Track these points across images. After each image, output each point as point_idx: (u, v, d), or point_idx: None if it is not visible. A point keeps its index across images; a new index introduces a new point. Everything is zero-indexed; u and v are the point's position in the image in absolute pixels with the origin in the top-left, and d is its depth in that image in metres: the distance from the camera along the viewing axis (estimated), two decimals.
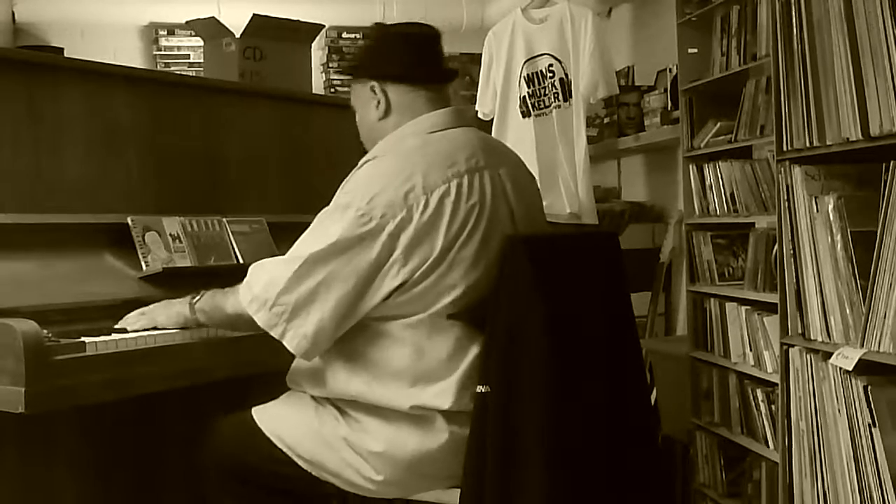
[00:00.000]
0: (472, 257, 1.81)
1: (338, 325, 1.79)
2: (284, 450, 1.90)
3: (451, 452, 1.82)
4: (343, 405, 1.89)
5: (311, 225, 1.84)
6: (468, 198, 1.82)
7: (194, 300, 1.98)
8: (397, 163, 1.84)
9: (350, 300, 1.78)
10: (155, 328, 2.02)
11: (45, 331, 1.79)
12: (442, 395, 1.81)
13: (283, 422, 1.94)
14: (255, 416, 1.96)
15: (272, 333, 1.79)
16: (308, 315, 1.77)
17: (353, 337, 1.83)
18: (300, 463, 1.90)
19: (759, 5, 2.94)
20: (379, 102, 1.96)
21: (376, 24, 2.07)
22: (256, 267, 1.85)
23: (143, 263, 2.22)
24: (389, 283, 1.78)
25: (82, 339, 1.87)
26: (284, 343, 1.80)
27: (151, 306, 2.07)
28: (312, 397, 1.93)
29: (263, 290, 1.79)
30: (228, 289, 1.91)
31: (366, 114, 2.01)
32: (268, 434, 1.92)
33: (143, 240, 2.25)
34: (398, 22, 2.09)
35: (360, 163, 1.92)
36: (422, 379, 1.81)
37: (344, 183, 1.88)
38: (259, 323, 1.80)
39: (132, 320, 2.05)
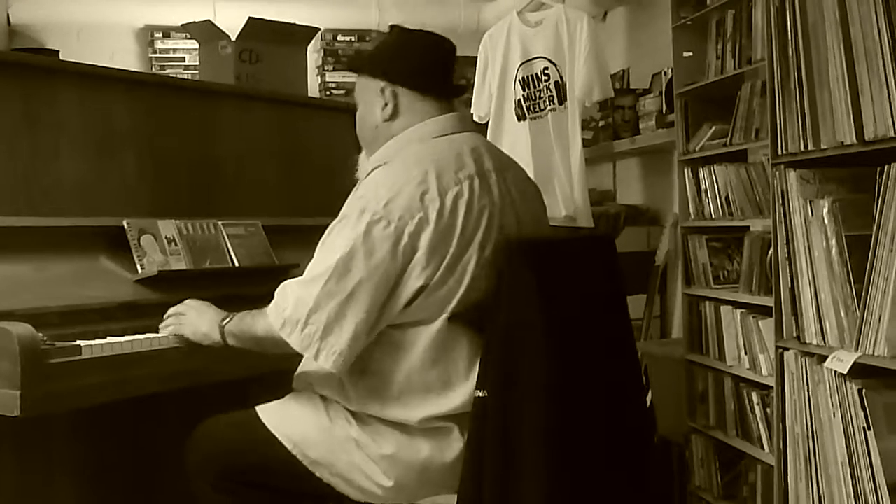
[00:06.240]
0: (485, 261, 1.79)
1: (368, 333, 1.77)
2: (290, 448, 1.86)
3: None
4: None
5: (327, 238, 1.81)
6: (480, 199, 1.82)
7: (223, 323, 1.94)
8: (409, 166, 1.82)
9: (379, 307, 1.76)
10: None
11: (40, 334, 1.79)
12: (460, 399, 1.80)
13: (290, 420, 1.90)
14: (259, 414, 1.92)
15: (306, 354, 1.77)
16: (342, 329, 1.74)
17: (369, 348, 1.80)
18: (305, 463, 1.86)
19: (754, 9, 2.94)
20: (387, 104, 1.94)
21: (394, 25, 2.01)
22: (282, 289, 1.82)
23: (138, 266, 2.22)
24: (412, 285, 1.76)
25: (78, 342, 1.87)
26: (319, 362, 1.76)
27: (183, 310, 2.04)
28: (322, 397, 1.89)
29: (294, 311, 1.76)
30: (256, 311, 1.87)
31: (370, 112, 1.97)
32: (273, 432, 1.88)
33: (139, 243, 2.24)
34: (417, 28, 2.03)
35: (368, 170, 1.89)
36: (438, 386, 1.80)
37: (353, 191, 1.85)
38: (293, 345, 1.76)
39: (168, 321, 2.05)
